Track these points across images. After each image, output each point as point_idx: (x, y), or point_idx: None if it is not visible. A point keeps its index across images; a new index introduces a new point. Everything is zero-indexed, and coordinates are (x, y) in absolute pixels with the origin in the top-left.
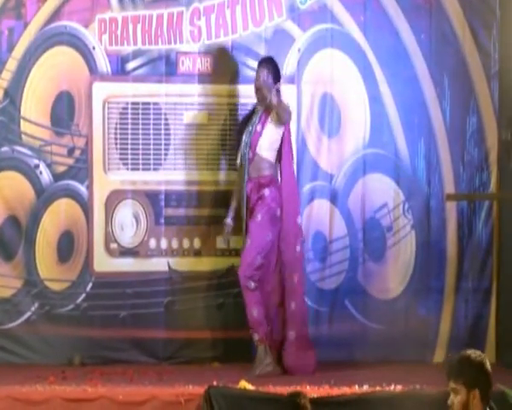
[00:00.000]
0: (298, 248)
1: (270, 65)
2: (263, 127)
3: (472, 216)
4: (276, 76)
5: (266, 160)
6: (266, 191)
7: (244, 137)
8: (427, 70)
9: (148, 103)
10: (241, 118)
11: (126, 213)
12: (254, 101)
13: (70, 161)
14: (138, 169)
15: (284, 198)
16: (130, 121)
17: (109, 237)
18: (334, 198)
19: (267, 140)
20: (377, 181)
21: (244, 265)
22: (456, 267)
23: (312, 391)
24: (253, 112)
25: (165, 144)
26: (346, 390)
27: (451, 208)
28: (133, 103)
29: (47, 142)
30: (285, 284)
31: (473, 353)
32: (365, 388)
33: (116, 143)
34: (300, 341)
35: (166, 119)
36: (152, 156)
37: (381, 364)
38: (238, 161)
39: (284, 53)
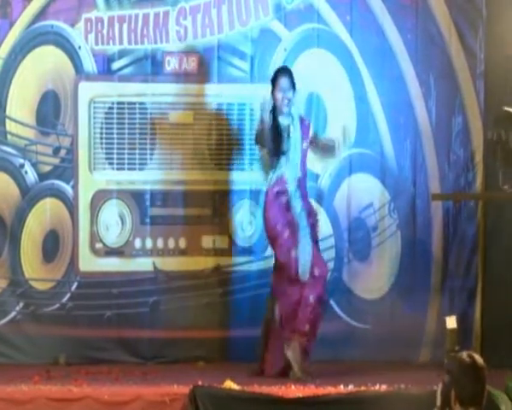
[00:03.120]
0: None
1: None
2: (307, 143)
3: (457, 216)
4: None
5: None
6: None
7: (292, 158)
8: (413, 70)
9: (134, 103)
10: (228, 117)
11: (112, 213)
12: (240, 101)
13: (55, 161)
14: (124, 169)
15: None
16: (115, 121)
17: (94, 237)
18: (319, 198)
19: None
20: (363, 181)
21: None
22: (442, 267)
23: (297, 391)
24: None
25: (151, 144)
26: (331, 390)
27: (437, 208)
28: (119, 103)
29: (32, 141)
30: None
31: (467, 355)
32: (350, 388)
33: (102, 143)
34: None
35: (152, 118)
36: (137, 156)
37: (366, 363)
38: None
39: (270, 53)
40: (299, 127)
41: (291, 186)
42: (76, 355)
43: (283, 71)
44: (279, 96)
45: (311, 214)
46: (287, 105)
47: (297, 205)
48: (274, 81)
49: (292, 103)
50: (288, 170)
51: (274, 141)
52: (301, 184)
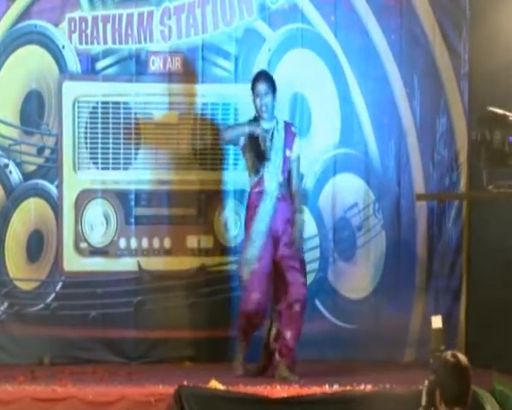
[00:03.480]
0: None
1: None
2: (291, 152)
3: (442, 216)
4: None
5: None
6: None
7: (272, 161)
8: (397, 70)
9: (119, 103)
10: (213, 117)
11: (96, 213)
12: (224, 100)
13: (40, 161)
14: (108, 168)
15: None
16: (100, 121)
17: (79, 237)
18: (304, 198)
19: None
20: (347, 181)
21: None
22: (426, 267)
23: (282, 391)
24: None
25: (136, 144)
26: (316, 390)
27: (421, 208)
28: (103, 103)
29: (16, 141)
30: None
31: (451, 355)
32: (336, 387)
33: (86, 143)
34: None
35: (137, 118)
36: (122, 156)
37: (351, 363)
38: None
39: (255, 52)
40: (283, 132)
41: (269, 189)
42: (61, 355)
43: (259, 76)
44: (257, 102)
45: (286, 230)
46: (265, 111)
47: (266, 208)
48: (252, 88)
49: (272, 107)
50: (268, 173)
51: (257, 149)
52: (282, 190)
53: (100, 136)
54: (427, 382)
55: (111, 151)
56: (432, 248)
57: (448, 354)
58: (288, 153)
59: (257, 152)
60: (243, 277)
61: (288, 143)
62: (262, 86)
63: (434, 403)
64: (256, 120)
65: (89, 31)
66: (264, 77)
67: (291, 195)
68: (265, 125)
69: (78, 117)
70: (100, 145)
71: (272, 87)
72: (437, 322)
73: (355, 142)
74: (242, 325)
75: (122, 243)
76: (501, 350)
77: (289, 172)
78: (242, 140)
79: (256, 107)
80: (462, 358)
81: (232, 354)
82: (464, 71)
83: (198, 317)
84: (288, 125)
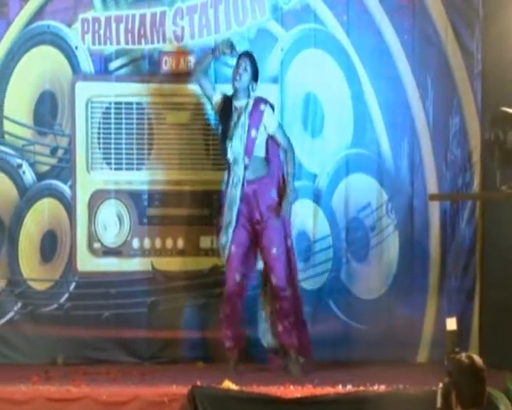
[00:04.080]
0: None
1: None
2: (257, 132)
3: (455, 216)
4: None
5: (261, 158)
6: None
7: (235, 141)
8: (410, 70)
9: (131, 103)
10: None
11: (109, 213)
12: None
13: (53, 161)
14: (121, 169)
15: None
16: (113, 121)
17: (92, 237)
18: (317, 198)
19: (261, 142)
20: (360, 181)
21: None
22: (440, 267)
23: (296, 391)
24: (230, 106)
25: (149, 144)
26: (329, 390)
27: (434, 208)
28: (116, 103)
29: (30, 141)
30: None
31: (466, 357)
32: (349, 388)
33: (99, 143)
34: None
35: (149, 118)
36: (135, 156)
37: (364, 364)
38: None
39: (267, 53)
40: (249, 111)
41: (234, 173)
42: (74, 355)
43: (242, 55)
44: (234, 75)
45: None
46: (236, 93)
47: (232, 196)
48: (236, 65)
49: (248, 87)
50: (233, 155)
51: (221, 123)
52: (252, 172)
53: (113, 136)
54: (441, 384)
55: (124, 151)
56: (445, 248)
57: (463, 355)
58: (253, 133)
59: (221, 128)
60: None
61: (253, 123)
62: (240, 67)
63: (450, 405)
64: (231, 97)
65: (102, 31)
66: (246, 58)
67: (270, 175)
68: (236, 103)
69: (92, 117)
70: (113, 145)
71: (252, 71)
72: (451, 324)
73: (368, 142)
74: (227, 313)
75: (135, 243)
76: None
77: (267, 151)
78: (215, 100)
79: (232, 82)
80: (478, 359)
81: (245, 354)
82: (477, 70)
83: (211, 317)
84: (256, 103)
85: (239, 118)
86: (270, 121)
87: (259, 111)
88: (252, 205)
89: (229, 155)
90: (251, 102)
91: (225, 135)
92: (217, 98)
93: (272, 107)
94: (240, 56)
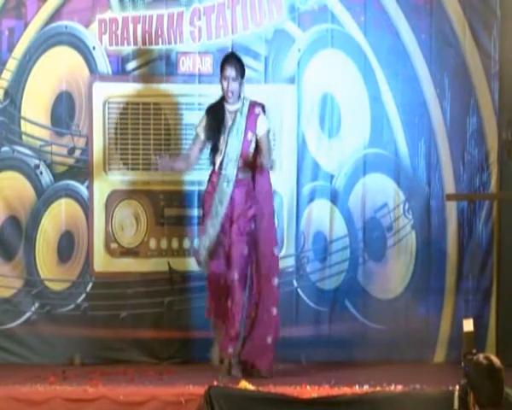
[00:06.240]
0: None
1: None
2: (253, 135)
3: (472, 216)
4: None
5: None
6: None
7: (231, 142)
8: (427, 70)
9: (149, 103)
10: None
11: (126, 213)
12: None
13: (70, 161)
14: (138, 169)
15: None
16: (130, 121)
17: (109, 237)
18: (334, 198)
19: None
20: (377, 181)
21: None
22: (457, 267)
23: (312, 391)
24: (221, 107)
25: (166, 144)
26: (346, 390)
27: (452, 208)
28: (133, 103)
29: (47, 142)
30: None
31: (484, 357)
32: (366, 388)
33: (116, 143)
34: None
35: (166, 119)
36: (152, 156)
37: (381, 364)
38: (219, 165)
39: (284, 53)
40: (245, 114)
41: (226, 171)
42: (91, 356)
43: (229, 60)
44: (224, 85)
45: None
46: (231, 97)
47: (223, 190)
48: (221, 69)
49: (239, 91)
50: (227, 156)
51: (213, 132)
52: (241, 174)
53: (130, 136)
54: (458, 386)
55: (141, 152)
56: (462, 248)
57: (481, 356)
58: (249, 136)
59: (213, 138)
60: (200, 261)
61: (250, 126)
62: (231, 71)
63: (467, 406)
64: (222, 100)
65: (119, 32)
66: (234, 61)
67: (253, 175)
68: (230, 107)
69: (109, 118)
70: (130, 146)
71: (241, 71)
72: (468, 325)
73: (385, 142)
74: (214, 309)
75: (152, 243)
76: None
77: (256, 150)
78: (199, 125)
79: (222, 89)
80: (495, 360)
81: None
82: (494, 70)
83: None
84: (252, 106)
85: (234, 120)
86: (261, 125)
87: (255, 114)
88: (239, 205)
89: (222, 155)
90: (246, 105)
91: (217, 139)
92: (201, 123)
93: (264, 110)
94: (225, 59)
